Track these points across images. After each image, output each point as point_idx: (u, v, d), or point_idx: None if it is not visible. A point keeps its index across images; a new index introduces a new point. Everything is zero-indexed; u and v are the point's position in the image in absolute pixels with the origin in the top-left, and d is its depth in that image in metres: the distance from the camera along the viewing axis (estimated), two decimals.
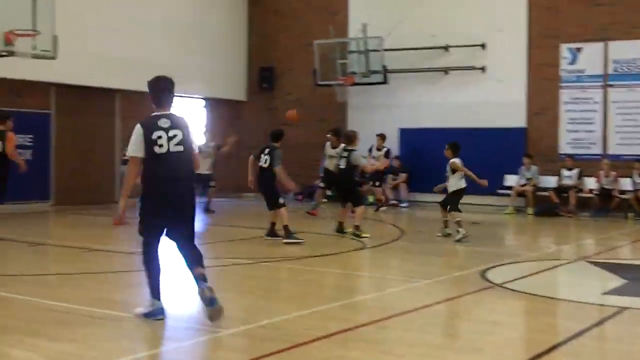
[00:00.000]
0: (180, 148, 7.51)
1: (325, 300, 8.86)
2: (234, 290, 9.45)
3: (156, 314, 7.58)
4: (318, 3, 24.26)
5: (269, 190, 13.75)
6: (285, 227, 13.32)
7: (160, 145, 7.42)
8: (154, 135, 7.42)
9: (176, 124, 7.59)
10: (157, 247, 7.69)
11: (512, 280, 10.13)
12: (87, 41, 19.69)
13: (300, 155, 22.43)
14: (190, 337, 7.19)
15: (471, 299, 9.12)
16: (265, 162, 13.65)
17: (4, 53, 15.44)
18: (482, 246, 13.77)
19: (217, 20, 24.21)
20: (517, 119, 21.27)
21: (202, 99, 24.61)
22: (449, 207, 14.28)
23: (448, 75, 22.25)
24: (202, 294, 7.39)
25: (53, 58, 15.94)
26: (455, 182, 14.23)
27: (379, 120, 22.73)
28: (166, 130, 7.48)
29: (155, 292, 7.66)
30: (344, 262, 12.18)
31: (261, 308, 8.44)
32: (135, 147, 7.47)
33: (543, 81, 21.07)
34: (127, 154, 7.79)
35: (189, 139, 7.62)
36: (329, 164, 17.01)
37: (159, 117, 7.60)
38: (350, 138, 14.97)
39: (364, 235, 14.09)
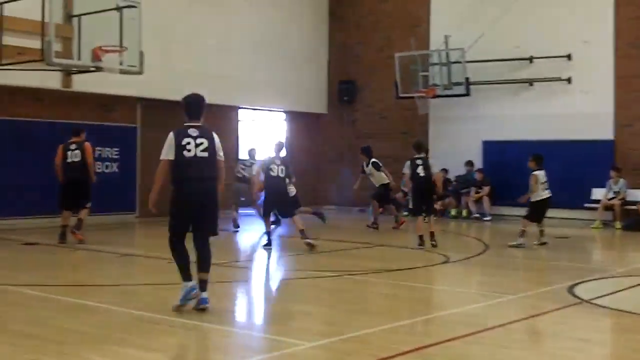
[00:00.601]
0: (205, 154, 8.54)
1: (410, 315, 8.78)
2: (317, 303, 9.45)
3: (188, 293, 8.41)
4: (399, 16, 24.20)
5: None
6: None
7: (189, 150, 8.48)
8: (184, 142, 8.50)
9: (203, 134, 8.66)
10: (183, 240, 8.70)
11: (601, 297, 9.89)
12: (171, 56, 20.05)
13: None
14: (273, 349, 7.21)
15: (559, 315, 8.90)
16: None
17: (93, 69, 15.87)
18: (569, 261, 13.52)
19: (299, 34, 24.36)
20: (604, 131, 20.78)
21: (283, 112, 24.79)
22: (532, 216, 14.74)
23: (532, 87, 21.90)
24: (194, 296, 8.42)
25: (139, 73, 16.28)
26: (537, 193, 14.61)
27: (462, 132, 22.54)
28: (194, 138, 8.58)
29: (184, 276, 8.55)
30: (428, 276, 12.08)
31: (344, 321, 8.39)
32: (166, 151, 8.57)
33: (631, 93, 20.57)
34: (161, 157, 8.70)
35: (213, 147, 8.65)
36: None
37: (189, 127, 8.71)
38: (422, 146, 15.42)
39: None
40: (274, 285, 11.49)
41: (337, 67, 25.35)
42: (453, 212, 21.81)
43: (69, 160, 14.64)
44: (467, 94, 22.06)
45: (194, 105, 8.97)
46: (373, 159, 18.55)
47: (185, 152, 8.52)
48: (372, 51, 24.70)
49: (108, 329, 7.72)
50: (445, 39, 22.08)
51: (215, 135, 8.83)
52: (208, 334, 7.67)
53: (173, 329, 7.75)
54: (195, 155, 8.54)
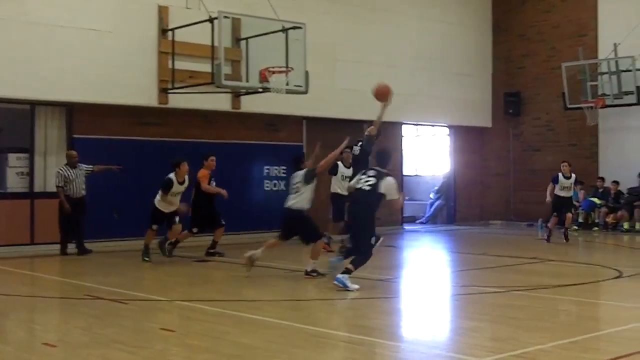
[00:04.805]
0: (368, 188, 11.24)
1: (583, 331, 8.54)
2: (485, 319, 9.35)
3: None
4: (565, 25, 23.62)
5: None
6: None
7: (360, 182, 11.44)
8: (362, 176, 11.49)
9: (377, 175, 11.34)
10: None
11: None
12: (335, 74, 20.39)
13: (549, 182, 21.86)
14: None
15: None
16: None
17: (260, 89, 16.35)
18: None
19: (463, 47, 24.18)
20: None
21: (447, 126, 24.68)
22: None
23: None
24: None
25: (305, 93, 16.63)
26: None
27: (633, 142, 21.73)
28: (368, 175, 11.40)
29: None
30: (599, 291, 11.72)
31: (514, 337, 8.22)
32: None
33: None
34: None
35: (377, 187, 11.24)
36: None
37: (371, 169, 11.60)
38: None
39: None
40: (439, 300, 11.45)
41: (502, 80, 25.00)
42: (626, 225, 21.01)
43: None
44: (638, 103, 21.27)
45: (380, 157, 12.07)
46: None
47: (358, 185, 11.51)
48: (538, 62, 24.21)
49: (281, 344, 7.89)
50: (615, 47, 21.42)
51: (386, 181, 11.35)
52: (376, 349, 7.73)
53: (342, 344, 7.87)
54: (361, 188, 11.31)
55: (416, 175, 27.06)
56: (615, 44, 21.41)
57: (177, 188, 14.79)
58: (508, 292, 11.24)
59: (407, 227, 23.25)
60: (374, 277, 12.46)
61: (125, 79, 16.83)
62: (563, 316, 9.71)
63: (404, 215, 23.51)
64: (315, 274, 12.36)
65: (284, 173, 19.85)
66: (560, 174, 18.29)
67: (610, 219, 20.85)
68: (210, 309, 9.87)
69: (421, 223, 24.56)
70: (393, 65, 21.80)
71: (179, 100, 17.34)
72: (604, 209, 21.38)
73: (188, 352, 7.57)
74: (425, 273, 13.09)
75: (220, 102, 18.00)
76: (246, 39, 16.77)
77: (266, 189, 19.60)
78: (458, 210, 24.69)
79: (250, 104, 18.40)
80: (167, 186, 14.67)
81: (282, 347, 7.73)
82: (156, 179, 17.66)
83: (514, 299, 10.85)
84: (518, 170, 24.04)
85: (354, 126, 21.56)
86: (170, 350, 7.66)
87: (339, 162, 15.97)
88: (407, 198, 24.58)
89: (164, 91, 17.16)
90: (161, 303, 10.48)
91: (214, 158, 15.41)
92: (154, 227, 15.02)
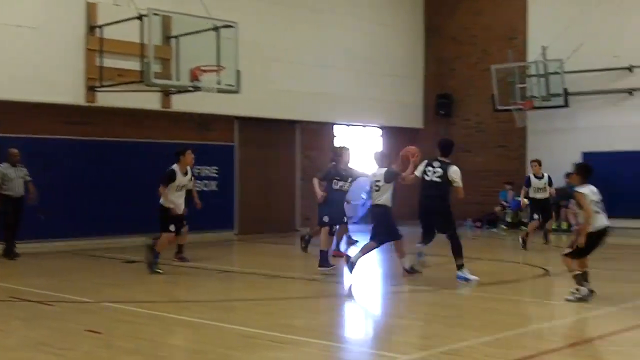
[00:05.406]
0: (438, 179, 11.88)
1: (508, 328, 8.64)
2: (414, 318, 9.42)
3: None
4: (496, 28, 23.95)
5: None
6: None
7: (428, 175, 12.00)
8: (428, 168, 12.10)
9: (443, 165, 12.05)
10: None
11: None
12: (269, 74, 20.32)
13: (479, 182, 22.14)
14: None
15: None
16: None
17: (191, 88, 16.15)
18: None
19: (395, 50, 24.33)
20: None
21: (379, 127, 24.80)
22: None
23: (633, 96, 21.38)
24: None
25: (236, 92, 16.46)
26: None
27: (561, 144, 22.11)
28: (434, 167, 12.01)
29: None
30: (526, 289, 11.90)
31: (442, 334, 8.31)
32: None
33: None
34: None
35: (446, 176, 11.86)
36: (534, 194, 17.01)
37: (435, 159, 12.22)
38: None
39: None
40: (371, 299, 11.47)
41: (434, 81, 25.23)
42: (553, 225, 21.35)
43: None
44: (565, 105, 21.69)
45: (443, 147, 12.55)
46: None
47: (425, 176, 12.10)
48: (469, 64, 24.52)
49: (210, 344, 7.81)
50: (543, 50, 21.79)
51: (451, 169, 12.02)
52: (306, 348, 7.70)
53: (274, 344, 7.81)
54: (431, 179, 11.99)
55: None
56: (543, 47, 21.77)
57: (181, 180, 13.23)
58: (437, 290, 11.34)
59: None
60: (306, 277, 12.45)
61: (52, 76, 16.47)
62: (490, 314, 9.80)
63: None
64: (412, 270, 12.33)
65: (215, 173, 19.71)
66: (531, 175, 17.36)
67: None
68: (139, 310, 9.73)
69: (353, 223, 24.59)
70: (326, 66, 21.84)
71: (107, 99, 17.04)
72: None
73: (114, 353, 7.45)
74: (356, 273, 13.06)
75: (150, 101, 17.74)
76: (177, 36, 16.55)
77: (197, 189, 19.34)
78: None
79: (181, 103, 18.19)
80: (169, 177, 13.08)
81: (211, 347, 7.65)
82: (83, 179, 17.50)
83: (443, 297, 10.97)
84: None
85: (287, 126, 21.61)
86: (96, 352, 7.53)
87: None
88: None
89: (91, 89, 16.83)
90: (88, 305, 10.28)
91: (190, 152, 13.84)
92: (172, 228, 13.17)
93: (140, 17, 15.47)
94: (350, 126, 24.39)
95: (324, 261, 12.98)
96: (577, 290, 9.85)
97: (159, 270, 12.86)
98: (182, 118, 19.03)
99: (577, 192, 10.11)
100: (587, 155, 21.78)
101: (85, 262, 14.99)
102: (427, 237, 12.36)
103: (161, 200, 13.17)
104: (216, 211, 18.88)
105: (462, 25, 24.75)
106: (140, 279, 12.89)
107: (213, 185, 19.61)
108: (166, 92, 17.71)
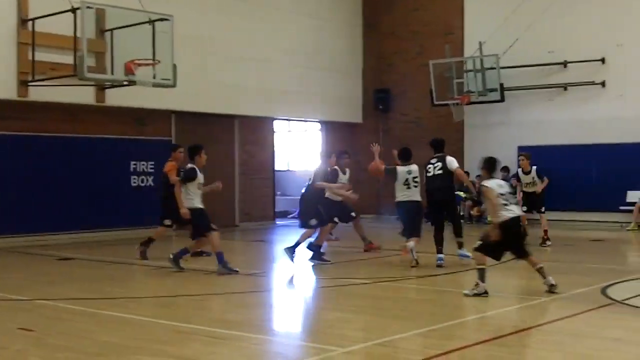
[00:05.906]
0: (440, 172, 12.82)
1: (443, 319, 8.71)
2: (352, 310, 9.42)
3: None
4: (434, 24, 24.13)
5: None
6: None
7: (429, 172, 12.94)
8: (428, 166, 12.94)
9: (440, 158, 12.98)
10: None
11: (634, 297, 9.87)
12: (206, 68, 20.17)
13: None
14: (306, 356, 7.21)
15: (591, 316, 8.85)
16: None
17: (126, 82, 15.91)
18: (604, 263, 13.44)
19: (333, 44, 24.35)
20: (639, 134, 20.55)
21: (318, 122, 24.81)
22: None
23: (567, 91, 21.74)
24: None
25: (173, 86, 16.27)
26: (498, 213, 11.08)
27: (497, 138, 22.40)
28: (432, 163, 12.95)
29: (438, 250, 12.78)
30: (461, 281, 11.98)
31: (378, 326, 8.37)
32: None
33: None
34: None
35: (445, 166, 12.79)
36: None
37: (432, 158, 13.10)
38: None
39: None
40: (309, 293, 11.46)
41: (372, 76, 25.32)
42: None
43: None
44: (501, 100, 21.95)
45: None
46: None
47: (426, 173, 12.97)
48: (407, 59, 24.67)
49: (144, 340, 7.73)
50: (480, 46, 22.01)
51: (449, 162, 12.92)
52: (242, 343, 7.65)
53: (209, 339, 7.75)
54: (433, 174, 12.90)
55: (288, 171, 27.17)
56: (480, 43, 21.99)
57: (200, 178, 12.84)
58: (375, 283, 11.38)
59: (279, 221, 23.27)
60: (243, 272, 12.37)
61: None
62: (427, 305, 9.89)
63: (276, 210, 23.55)
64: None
65: (151, 168, 19.47)
66: (519, 171, 16.81)
67: (474, 212, 21.36)
68: (72, 307, 9.61)
69: (293, 218, 24.60)
70: (265, 60, 21.78)
71: (40, 93, 16.69)
72: (468, 202, 21.92)
73: (47, 351, 7.33)
74: (294, 267, 13.07)
75: (83, 95, 17.40)
76: (111, 30, 16.31)
77: (133, 184, 19.16)
78: None
79: (116, 98, 17.90)
80: (191, 176, 12.69)
81: (146, 343, 7.57)
82: (17, 176, 17.16)
83: (380, 289, 11.05)
84: (387, 165, 24.32)
85: (225, 121, 21.46)
86: (29, 350, 7.39)
87: (339, 170, 15.46)
88: (278, 193, 24.64)
89: (23, 84, 16.47)
90: (21, 303, 10.10)
91: (182, 150, 14.10)
92: (214, 227, 12.82)
93: (73, 10, 15.18)
94: (291, 121, 24.40)
95: (317, 256, 13.59)
96: (477, 285, 9.96)
97: (236, 269, 12.33)
98: (118, 112, 18.75)
99: (484, 186, 10.23)
100: (522, 149, 22.08)
101: (20, 260, 14.70)
102: (437, 232, 13.15)
103: (189, 202, 12.67)
104: (154, 207, 18.64)
105: (400, 21, 24.88)
106: (72, 275, 12.72)
107: (149, 181, 19.35)
108: (101, 87, 17.42)
